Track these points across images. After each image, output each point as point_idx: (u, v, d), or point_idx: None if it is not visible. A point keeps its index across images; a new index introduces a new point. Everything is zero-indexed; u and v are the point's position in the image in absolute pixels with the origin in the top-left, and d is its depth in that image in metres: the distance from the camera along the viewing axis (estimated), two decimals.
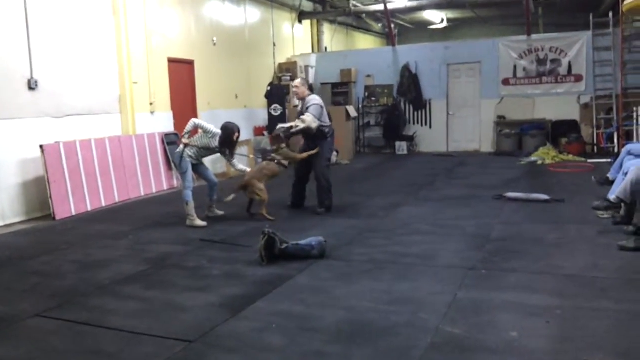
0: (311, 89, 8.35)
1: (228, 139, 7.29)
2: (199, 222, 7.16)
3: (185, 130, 7.29)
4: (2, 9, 7.83)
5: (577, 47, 13.48)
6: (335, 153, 13.14)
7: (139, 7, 10.25)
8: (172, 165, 10.52)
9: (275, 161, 7.48)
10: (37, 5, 8.30)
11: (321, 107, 7.61)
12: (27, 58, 8.18)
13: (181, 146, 7.29)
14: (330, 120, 7.95)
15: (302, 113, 7.66)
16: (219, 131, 7.28)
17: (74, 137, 8.73)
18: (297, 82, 7.97)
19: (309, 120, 7.44)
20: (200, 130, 7.31)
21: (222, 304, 4.39)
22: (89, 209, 8.59)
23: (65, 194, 8.22)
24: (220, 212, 7.60)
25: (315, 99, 7.68)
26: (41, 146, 7.99)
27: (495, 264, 5.14)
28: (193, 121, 7.31)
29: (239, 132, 7.39)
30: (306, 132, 7.54)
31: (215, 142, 7.28)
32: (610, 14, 12.91)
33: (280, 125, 7.78)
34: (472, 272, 4.93)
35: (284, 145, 7.58)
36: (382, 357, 3.42)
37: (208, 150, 7.40)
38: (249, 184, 7.22)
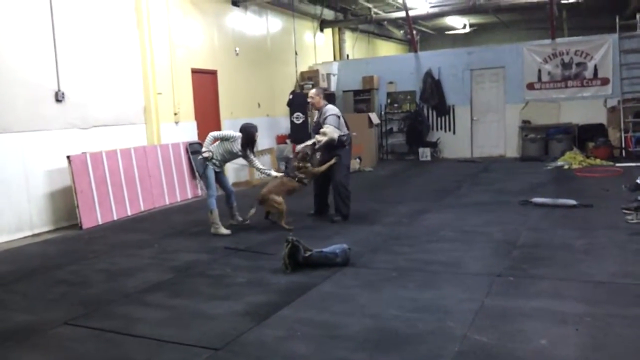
0: (330, 98, 8.26)
1: (250, 139, 7.46)
2: (224, 230, 7.20)
3: (205, 146, 7.33)
4: (29, 23, 8.00)
5: (603, 50, 13.28)
6: (358, 160, 13.14)
7: (162, 19, 10.39)
8: (197, 174, 10.62)
9: (297, 179, 7.48)
10: (63, 19, 8.47)
11: (338, 116, 7.59)
12: (54, 71, 8.34)
13: (201, 155, 7.36)
14: (348, 128, 7.90)
15: (319, 124, 7.67)
16: (238, 134, 7.41)
17: (100, 148, 8.87)
18: (312, 92, 7.91)
19: (330, 131, 7.45)
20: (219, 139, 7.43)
21: (247, 312, 4.39)
22: (115, 218, 8.70)
23: (92, 204, 8.34)
24: (243, 219, 7.61)
25: (331, 110, 7.63)
26: (68, 157, 8.14)
27: (522, 271, 5.06)
28: (212, 135, 7.39)
29: (257, 131, 7.58)
30: (330, 144, 7.54)
31: (237, 146, 7.38)
32: (638, 16, 12.68)
33: (302, 146, 7.78)
34: (499, 279, 4.86)
35: (309, 165, 7.55)
36: None
37: (231, 155, 7.49)
38: (267, 197, 7.25)
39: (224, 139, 7.40)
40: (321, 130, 7.54)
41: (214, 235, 7.12)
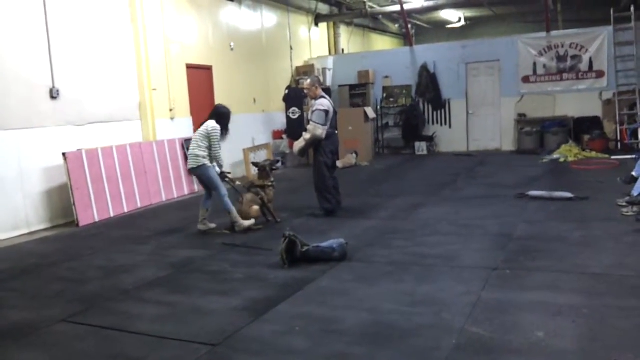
0: (326, 93, 8.19)
1: (227, 120, 7.19)
2: (247, 223, 6.99)
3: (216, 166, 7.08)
4: (23, 20, 7.96)
5: (597, 42, 13.31)
6: (354, 155, 13.14)
7: (156, 14, 10.35)
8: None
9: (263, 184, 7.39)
10: (57, 16, 8.43)
11: (325, 111, 7.45)
12: (48, 68, 8.31)
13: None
14: (335, 126, 7.79)
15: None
16: (210, 123, 7.00)
17: (95, 145, 8.84)
18: (308, 83, 7.83)
19: (312, 129, 7.47)
20: (198, 137, 7.04)
21: (244, 307, 4.40)
22: (112, 215, 8.68)
23: (88, 201, 8.32)
24: (214, 226, 7.21)
25: (318, 104, 7.51)
26: (64, 154, 8.11)
27: (519, 264, 5.08)
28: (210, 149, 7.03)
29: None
30: (315, 140, 7.51)
31: (217, 135, 6.96)
32: (632, 8, 12.69)
33: (296, 143, 7.85)
34: (495, 272, 4.87)
35: (269, 184, 7.41)
36: (406, 358, 3.39)
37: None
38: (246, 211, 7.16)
39: (211, 140, 6.94)
40: (308, 126, 7.57)
41: (240, 232, 6.88)
